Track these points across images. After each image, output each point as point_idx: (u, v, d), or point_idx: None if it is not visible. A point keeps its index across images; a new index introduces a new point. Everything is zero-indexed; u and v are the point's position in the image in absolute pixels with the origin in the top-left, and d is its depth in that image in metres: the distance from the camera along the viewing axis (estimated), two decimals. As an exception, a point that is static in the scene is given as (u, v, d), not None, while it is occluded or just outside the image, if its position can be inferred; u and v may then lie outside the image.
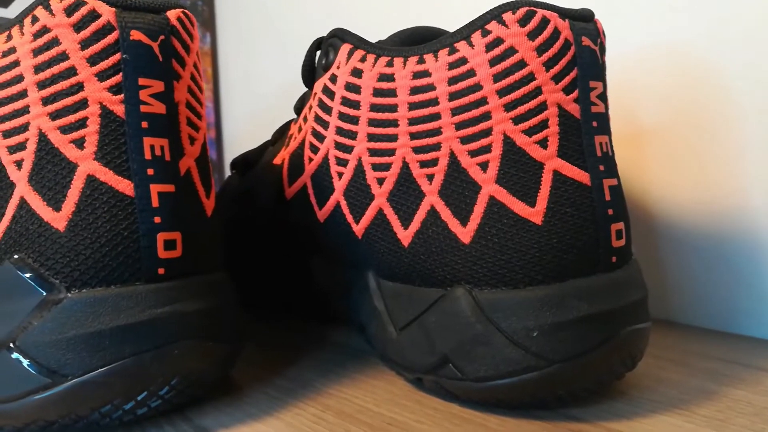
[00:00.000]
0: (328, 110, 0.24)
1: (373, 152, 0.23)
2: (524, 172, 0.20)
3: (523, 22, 0.20)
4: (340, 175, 0.24)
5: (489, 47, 0.20)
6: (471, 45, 0.21)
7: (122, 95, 0.19)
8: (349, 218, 0.24)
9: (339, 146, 0.24)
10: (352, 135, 0.23)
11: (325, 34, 0.27)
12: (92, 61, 0.19)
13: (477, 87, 0.20)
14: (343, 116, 0.23)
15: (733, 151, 0.31)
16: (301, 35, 0.53)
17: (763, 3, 0.29)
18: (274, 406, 0.22)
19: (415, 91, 0.22)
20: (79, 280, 0.18)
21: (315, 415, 0.21)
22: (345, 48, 0.24)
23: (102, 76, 0.19)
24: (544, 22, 0.20)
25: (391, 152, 0.22)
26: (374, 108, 0.22)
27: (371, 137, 0.23)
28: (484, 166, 0.21)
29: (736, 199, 0.31)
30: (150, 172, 0.19)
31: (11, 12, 0.50)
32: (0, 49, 0.19)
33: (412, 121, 0.22)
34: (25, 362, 0.18)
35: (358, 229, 0.24)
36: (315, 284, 0.28)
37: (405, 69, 0.22)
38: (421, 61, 0.22)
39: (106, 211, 0.19)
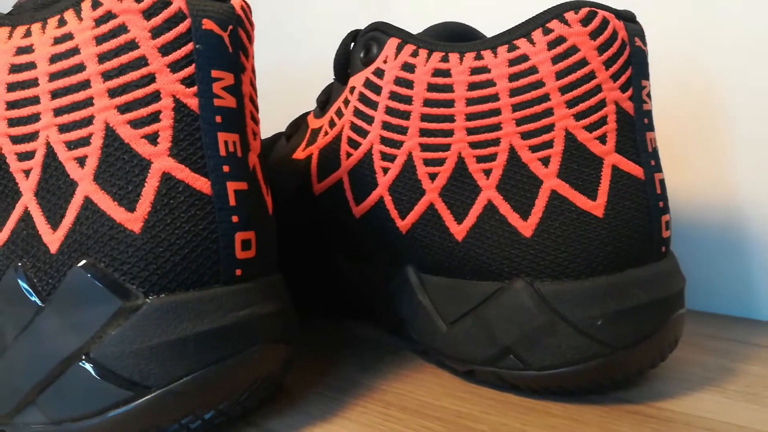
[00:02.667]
0: (372, 105, 0.24)
1: (426, 147, 0.23)
2: (585, 167, 0.21)
3: (585, 21, 0.21)
4: (386, 170, 0.24)
5: (551, 45, 0.21)
6: (532, 42, 0.21)
7: (195, 88, 0.18)
8: (393, 213, 0.24)
9: (385, 141, 0.24)
10: (402, 130, 0.23)
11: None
12: (164, 50, 0.18)
13: (539, 84, 0.21)
14: (391, 111, 0.23)
15: (730, 148, 0.33)
16: (282, 23, 0.51)
17: (753, 5, 0.32)
18: (334, 406, 0.21)
19: (473, 86, 0.22)
20: (157, 284, 0.17)
21: (380, 413, 0.21)
22: (393, 42, 0.23)
23: (174, 67, 0.18)
24: (605, 22, 0.21)
25: (445, 147, 0.22)
26: (428, 103, 0.22)
27: (424, 132, 0.23)
28: (545, 161, 0.21)
29: (734, 194, 0.33)
30: (225, 169, 0.18)
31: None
32: (51, 35, 0.18)
33: (470, 117, 0.22)
34: (102, 375, 0.17)
35: (404, 224, 0.24)
36: (341, 281, 0.28)
37: (462, 65, 0.22)
38: (479, 57, 0.22)
39: (184, 211, 0.17)
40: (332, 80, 0.28)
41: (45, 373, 0.17)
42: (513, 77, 0.21)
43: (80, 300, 0.17)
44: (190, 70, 0.18)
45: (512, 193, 0.22)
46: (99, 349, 0.17)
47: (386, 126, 0.23)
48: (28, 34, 0.18)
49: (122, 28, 0.17)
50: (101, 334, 0.17)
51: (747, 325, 0.31)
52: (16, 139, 0.18)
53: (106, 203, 0.17)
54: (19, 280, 0.18)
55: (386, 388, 0.23)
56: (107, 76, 0.17)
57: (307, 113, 0.30)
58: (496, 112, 0.21)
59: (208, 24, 0.18)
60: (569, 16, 0.21)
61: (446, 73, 0.22)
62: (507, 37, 0.22)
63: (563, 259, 0.21)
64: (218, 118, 0.18)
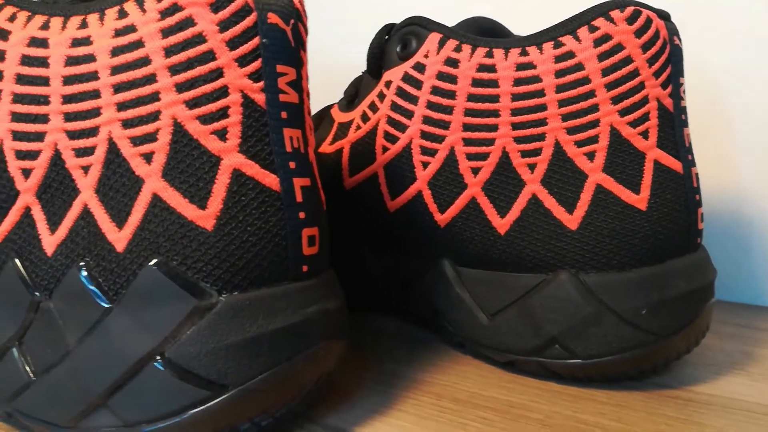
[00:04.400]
0: (412, 99, 0.24)
1: (469, 142, 0.23)
2: (629, 162, 0.22)
3: (630, 20, 0.21)
4: (425, 164, 0.24)
5: (597, 42, 0.21)
6: (578, 39, 0.22)
7: (262, 83, 0.18)
8: (432, 207, 0.24)
9: (426, 135, 0.24)
10: (444, 125, 0.23)
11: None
12: (232, 44, 0.17)
13: (585, 80, 0.21)
14: (433, 105, 0.23)
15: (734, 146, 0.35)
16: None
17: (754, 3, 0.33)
18: (386, 399, 0.22)
19: (519, 82, 0.22)
20: (230, 282, 0.17)
21: (434, 404, 0.21)
22: (434, 37, 0.23)
23: (242, 61, 0.17)
24: (649, 21, 0.21)
25: (489, 142, 0.23)
26: (473, 98, 0.23)
27: (467, 127, 0.23)
28: (590, 155, 0.22)
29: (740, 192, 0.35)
30: (292, 165, 0.18)
31: None
32: (111, 27, 0.17)
33: (515, 112, 0.22)
34: (179, 375, 0.16)
35: (443, 218, 0.24)
36: (366, 273, 0.28)
37: (507, 60, 0.22)
38: (524, 53, 0.22)
39: (255, 208, 0.17)
40: (361, 73, 0.28)
41: (117, 375, 0.16)
42: (559, 73, 0.22)
43: (153, 299, 0.17)
44: (257, 64, 0.17)
45: (557, 187, 0.22)
46: (174, 348, 0.16)
47: (427, 120, 0.24)
48: (84, 25, 0.17)
49: (189, 21, 0.17)
50: (176, 333, 0.16)
51: (749, 311, 0.33)
52: (73, 135, 0.17)
53: (176, 200, 0.17)
54: (83, 280, 0.17)
55: (431, 379, 0.23)
56: (174, 70, 0.17)
57: (330, 106, 0.30)
58: (542, 107, 0.22)
59: (273, 18, 0.18)
60: (615, 14, 0.21)
61: (491, 69, 0.22)
62: (552, 34, 0.22)
63: (608, 251, 0.22)
64: (284, 114, 0.18)
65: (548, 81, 0.22)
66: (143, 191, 0.17)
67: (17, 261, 0.18)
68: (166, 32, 0.17)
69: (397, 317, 0.30)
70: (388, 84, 0.25)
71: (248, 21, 0.17)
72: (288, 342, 0.17)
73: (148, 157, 0.17)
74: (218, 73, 0.17)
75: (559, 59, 0.22)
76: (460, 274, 0.25)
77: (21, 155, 0.18)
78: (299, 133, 0.19)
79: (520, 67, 0.22)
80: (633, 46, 0.21)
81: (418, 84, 0.24)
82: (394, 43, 0.25)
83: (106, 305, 0.17)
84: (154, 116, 0.17)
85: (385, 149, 0.25)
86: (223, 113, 0.17)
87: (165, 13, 0.17)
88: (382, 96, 0.25)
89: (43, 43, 0.18)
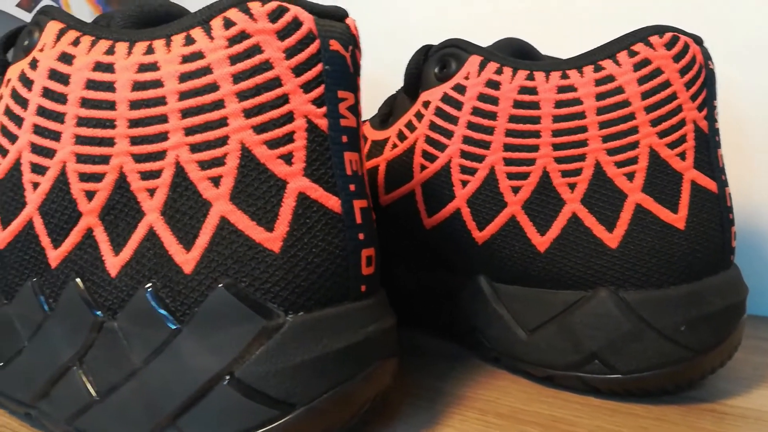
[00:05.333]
0: (451, 119, 0.24)
1: (510, 162, 0.23)
2: (667, 182, 0.22)
3: (669, 45, 0.22)
4: (464, 183, 0.24)
5: (637, 67, 0.22)
6: (617, 63, 0.22)
7: (325, 108, 0.18)
8: (471, 225, 0.25)
9: (466, 155, 0.24)
10: (485, 145, 0.24)
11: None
12: (297, 71, 0.18)
13: (625, 103, 0.22)
14: (473, 126, 0.24)
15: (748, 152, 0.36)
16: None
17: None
18: (432, 415, 0.22)
19: (560, 104, 0.23)
20: (296, 303, 0.17)
21: (479, 420, 0.22)
22: (475, 59, 0.24)
23: (307, 87, 0.18)
24: (686, 46, 0.22)
25: (530, 162, 0.23)
26: (514, 119, 0.23)
27: (508, 147, 0.23)
28: (630, 176, 0.22)
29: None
30: (352, 187, 0.18)
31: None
32: (179, 53, 0.17)
33: (556, 133, 0.23)
34: (248, 395, 0.17)
35: (481, 235, 0.25)
36: (400, 289, 0.29)
37: (548, 83, 0.23)
38: (565, 76, 0.23)
39: (319, 230, 0.18)
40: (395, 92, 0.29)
41: (187, 395, 0.17)
42: (600, 96, 0.22)
43: (222, 320, 0.17)
44: (320, 90, 0.18)
45: (597, 206, 0.23)
46: (243, 369, 0.17)
47: (467, 140, 0.24)
48: (150, 50, 0.18)
49: (257, 48, 0.17)
50: (245, 354, 0.17)
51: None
52: (139, 158, 0.18)
53: (244, 223, 0.17)
54: (150, 302, 0.17)
55: (472, 395, 0.24)
56: (242, 96, 0.17)
57: (365, 122, 0.30)
58: (583, 129, 0.22)
59: (334, 45, 0.18)
60: (654, 39, 0.22)
61: (533, 91, 0.23)
62: (591, 58, 0.23)
63: (647, 269, 0.22)
64: (344, 138, 0.18)
65: (589, 103, 0.22)
66: (211, 214, 0.17)
67: (79, 281, 0.18)
68: (234, 59, 0.17)
69: (431, 333, 0.30)
70: (426, 104, 0.25)
71: (312, 48, 0.18)
72: (350, 361, 0.18)
73: (216, 181, 0.17)
74: (284, 99, 0.17)
75: (599, 82, 0.22)
76: (496, 291, 0.25)
77: (85, 177, 0.18)
78: (357, 156, 0.19)
79: (561, 89, 0.23)
80: (671, 71, 0.22)
81: (458, 105, 0.24)
82: (432, 64, 0.26)
83: (174, 326, 0.17)
84: (222, 141, 0.17)
85: (423, 167, 0.25)
86: (288, 138, 0.18)
87: (233, 41, 0.17)
88: (419, 115, 0.26)
89: (108, 68, 0.18)
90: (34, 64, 0.19)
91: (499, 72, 0.24)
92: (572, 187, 0.23)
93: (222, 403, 0.17)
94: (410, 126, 0.26)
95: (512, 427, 0.21)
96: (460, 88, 0.24)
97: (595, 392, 0.24)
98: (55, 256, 0.19)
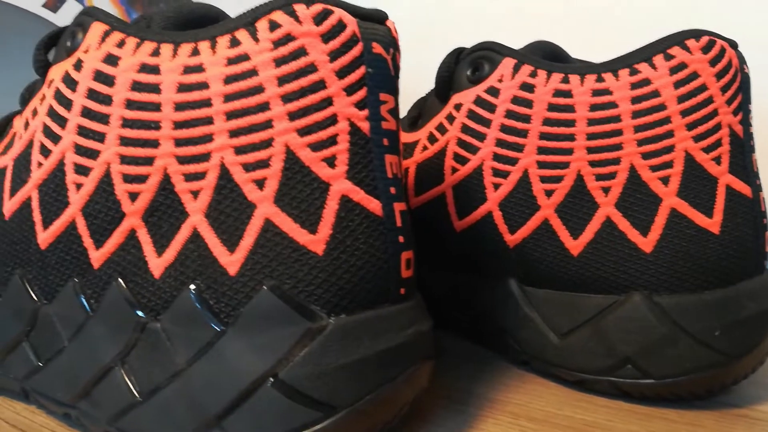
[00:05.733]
0: (484, 122, 0.25)
1: (543, 165, 0.24)
2: (702, 186, 0.22)
3: (705, 49, 0.22)
4: (497, 186, 0.24)
5: (673, 71, 0.22)
6: (653, 67, 0.22)
7: (367, 111, 0.18)
8: (502, 228, 0.25)
9: (499, 158, 0.24)
10: (518, 147, 0.24)
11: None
12: (340, 74, 0.18)
13: (661, 107, 0.22)
14: (507, 129, 0.24)
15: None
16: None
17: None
18: (465, 419, 0.22)
19: (595, 107, 0.23)
20: (338, 305, 0.17)
21: (512, 423, 0.22)
22: (508, 62, 0.24)
23: (349, 90, 0.18)
24: (722, 50, 0.22)
25: (564, 165, 0.23)
26: (548, 122, 0.23)
27: (542, 150, 0.23)
28: (665, 180, 0.22)
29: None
30: (392, 190, 0.19)
31: (60, 18, 0.44)
32: (224, 55, 0.18)
33: (591, 136, 0.23)
34: (292, 396, 0.17)
35: (513, 238, 0.25)
36: (429, 292, 0.29)
37: (583, 86, 0.23)
38: (600, 79, 0.23)
39: (361, 233, 0.18)
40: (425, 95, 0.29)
41: (231, 397, 0.17)
42: (635, 100, 0.22)
43: (267, 322, 0.17)
44: (362, 93, 0.18)
45: (632, 210, 0.23)
46: (287, 370, 0.17)
47: (500, 143, 0.24)
48: (195, 52, 0.18)
49: (302, 51, 0.17)
50: (289, 355, 0.17)
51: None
52: (184, 160, 0.18)
53: (288, 225, 0.17)
54: (195, 303, 0.17)
55: (503, 398, 0.24)
56: (287, 98, 0.17)
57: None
58: (618, 132, 0.22)
59: (377, 48, 0.18)
60: (690, 43, 0.22)
61: (567, 94, 0.23)
62: (627, 61, 0.23)
63: (682, 274, 0.22)
64: (385, 141, 0.18)
65: (624, 107, 0.22)
66: (255, 216, 0.17)
67: (121, 282, 0.19)
68: (280, 61, 0.17)
69: (458, 335, 0.30)
70: (457, 107, 0.26)
71: (355, 51, 0.18)
72: (391, 363, 0.18)
73: (260, 183, 0.17)
74: (328, 102, 0.18)
75: (635, 86, 0.22)
76: (527, 294, 0.25)
77: (129, 179, 0.18)
78: (397, 159, 0.19)
79: (596, 93, 0.23)
80: (708, 75, 0.22)
81: (491, 107, 0.24)
82: (464, 66, 0.26)
83: (218, 327, 0.17)
84: (267, 143, 0.17)
85: (454, 170, 0.25)
86: (332, 141, 0.18)
87: (278, 43, 0.17)
88: (451, 118, 0.26)
89: (154, 69, 0.18)
90: (78, 65, 0.19)
91: (533, 75, 0.24)
92: (606, 190, 0.23)
93: (266, 404, 0.17)
94: (441, 128, 0.26)
95: (545, 430, 0.21)
96: (494, 91, 0.24)
97: (626, 397, 0.24)
98: (97, 256, 0.19)
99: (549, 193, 0.24)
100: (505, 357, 0.28)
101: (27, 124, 0.21)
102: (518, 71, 0.24)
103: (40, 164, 0.20)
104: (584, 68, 0.23)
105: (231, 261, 0.17)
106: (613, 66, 0.23)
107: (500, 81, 0.24)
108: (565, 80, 0.23)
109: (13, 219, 0.21)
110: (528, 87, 0.24)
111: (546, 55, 0.27)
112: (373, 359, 0.17)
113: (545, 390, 0.25)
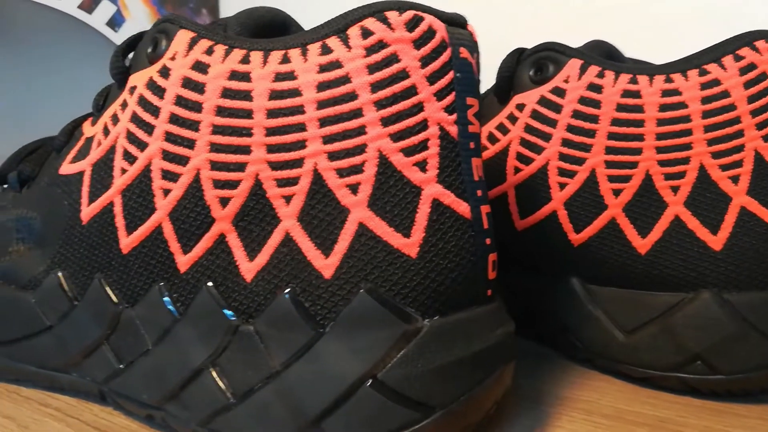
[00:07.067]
0: (550, 122, 0.25)
1: (611, 164, 0.24)
2: (772, 185, 0.22)
3: (776, 49, 0.22)
4: (562, 185, 0.25)
5: (743, 71, 0.22)
6: (723, 67, 0.22)
7: (455, 115, 0.18)
8: (567, 227, 0.25)
9: (565, 157, 0.24)
10: (586, 147, 0.24)
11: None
12: (431, 79, 0.18)
13: (731, 107, 0.22)
14: (573, 129, 0.24)
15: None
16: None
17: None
18: (540, 416, 0.22)
19: (664, 108, 0.23)
20: (432, 308, 0.18)
21: (587, 421, 0.22)
22: (575, 63, 0.24)
23: (439, 95, 0.18)
24: (793, 50, 0.22)
25: (632, 165, 0.23)
26: (617, 122, 0.23)
27: (610, 150, 0.24)
28: (735, 179, 0.22)
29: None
30: (479, 193, 0.19)
31: (95, 19, 0.44)
32: (316, 62, 0.18)
33: (660, 136, 0.23)
34: (391, 398, 0.17)
35: (578, 237, 0.25)
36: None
37: (652, 87, 0.23)
38: (669, 80, 0.23)
39: (452, 236, 0.18)
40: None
41: (331, 398, 0.17)
42: (705, 100, 0.22)
43: (364, 324, 0.17)
44: (451, 98, 0.18)
45: (701, 208, 0.23)
46: (386, 372, 0.17)
47: (567, 143, 0.24)
48: (286, 60, 0.18)
49: (394, 58, 0.18)
50: (386, 357, 0.17)
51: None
52: (276, 166, 0.18)
53: (382, 229, 0.18)
54: (291, 306, 0.18)
55: (571, 395, 0.24)
56: (380, 105, 0.18)
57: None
58: (688, 132, 0.23)
59: (464, 52, 0.19)
60: (760, 44, 0.22)
61: (636, 95, 0.23)
62: (696, 62, 0.23)
63: (751, 271, 0.22)
64: (471, 144, 0.19)
65: (694, 107, 0.23)
66: (349, 220, 0.18)
67: (211, 285, 0.19)
68: (373, 68, 0.18)
69: (516, 333, 0.30)
70: (520, 107, 0.26)
71: (445, 56, 0.18)
72: (483, 364, 0.18)
73: (354, 188, 0.18)
74: (419, 108, 0.18)
75: (705, 86, 0.22)
76: (590, 292, 0.25)
77: (219, 184, 0.18)
78: (480, 162, 0.19)
79: (666, 93, 0.23)
80: (778, 74, 0.22)
81: (556, 108, 0.25)
82: (526, 67, 0.26)
83: (314, 330, 0.18)
84: (361, 149, 0.18)
85: (517, 170, 0.26)
86: (423, 145, 0.18)
87: (371, 50, 0.18)
88: (513, 118, 0.26)
89: (245, 77, 0.18)
90: (165, 73, 0.19)
91: (600, 75, 0.24)
92: (675, 189, 0.23)
93: (366, 405, 0.17)
94: (502, 128, 0.26)
95: (621, 427, 0.22)
96: (559, 91, 0.25)
97: (694, 393, 0.24)
98: (184, 261, 0.19)
99: (617, 193, 0.24)
100: (562, 354, 0.28)
101: (107, 130, 0.21)
102: (585, 72, 0.24)
103: (123, 170, 0.20)
104: (653, 69, 0.23)
105: (326, 264, 0.18)
106: (682, 66, 0.23)
107: (566, 81, 0.24)
108: (634, 81, 0.23)
109: (92, 224, 0.21)
110: (596, 87, 0.24)
111: (603, 55, 0.27)
112: (468, 360, 0.18)
113: (610, 386, 0.25)
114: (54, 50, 0.44)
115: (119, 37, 0.46)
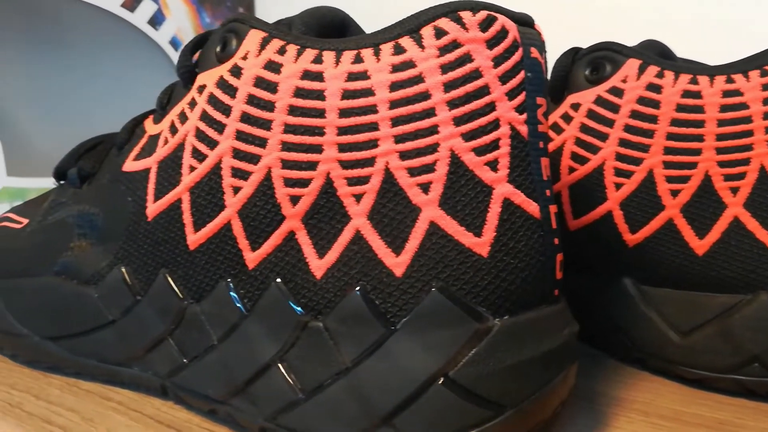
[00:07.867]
0: (607, 122, 0.25)
1: (669, 165, 0.24)
2: (835, 187, 0.22)
3: (841, 49, 0.22)
4: (618, 185, 0.25)
5: (807, 72, 0.22)
6: (787, 68, 0.22)
7: (525, 115, 0.18)
8: (623, 227, 0.25)
9: (622, 158, 0.24)
10: (644, 148, 0.24)
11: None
12: (503, 79, 0.18)
13: (795, 108, 0.22)
14: (631, 129, 0.24)
15: None
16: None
17: None
18: (598, 417, 0.22)
19: (725, 108, 0.23)
20: (502, 307, 0.18)
21: (645, 422, 0.22)
22: (633, 63, 0.24)
23: (511, 95, 0.18)
24: None
25: (691, 165, 0.23)
26: (676, 123, 0.23)
27: (669, 150, 0.24)
28: (797, 181, 0.22)
29: None
30: (547, 193, 0.19)
31: (137, 17, 0.45)
32: (388, 62, 0.18)
33: (720, 137, 0.23)
34: (463, 396, 0.17)
35: (633, 238, 0.25)
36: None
37: (713, 87, 0.23)
38: (730, 80, 0.23)
39: (522, 235, 0.18)
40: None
41: (403, 395, 0.17)
42: (767, 101, 0.22)
43: (436, 323, 0.17)
44: (521, 98, 0.18)
45: (761, 210, 0.23)
46: (458, 370, 0.17)
47: (624, 143, 0.24)
48: (358, 59, 0.18)
49: (467, 57, 0.18)
50: (458, 355, 0.17)
51: None
52: (347, 164, 0.18)
53: (453, 228, 0.18)
54: (363, 303, 0.18)
55: (626, 396, 0.24)
56: (453, 104, 0.18)
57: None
58: (749, 133, 0.23)
59: (534, 52, 0.19)
60: (826, 43, 0.22)
61: (696, 95, 0.23)
62: (757, 63, 0.23)
63: (813, 273, 0.22)
64: (540, 144, 0.19)
65: (756, 108, 0.22)
66: (420, 219, 0.18)
67: (280, 282, 0.19)
68: (446, 68, 0.18)
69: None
70: (575, 106, 0.26)
71: (516, 56, 0.18)
72: (552, 363, 0.18)
73: (425, 187, 0.18)
74: (491, 107, 0.18)
75: (767, 87, 0.22)
76: (644, 293, 0.25)
77: (290, 183, 0.19)
78: (548, 161, 0.19)
79: (727, 94, 0.23)
80: (844, 75, 0.22)
81: (614, 108, 0.25)
82: (581, 66, 0.26)
83: (385, 327, 0.18)
84: (433, 148, 0.18)
85: (571, 169, 0.26)
86: (494, 145, 0.18)
87: (444, 50, 0.18)
88: (567, 117, 0.26)
89: (318, 76, 0.18)
90: (236, 72, 0.19)
91: (659, 76, 0.24)
92: (734, 190, 0.23)
93: (438, 403, 0.17)
94: (556, 128, 0.26)
95: (680, 429, 0.22)
96: (617, 91, 0.24)
97: (749, 394, 0.24)
98: (253, 257, 0.20)
99: (675, 193, 0.24)
100: (614, 355, 0.28)
101: (174, 128, 0.21)
102: (644, 72, 0.24)
103: (192, 168, 0.20)
104: (713, 69, 0.23)
105: (397, 263, 0.18)
106: (743, 67, 0.23)
107: (624, 81, 0.24)
108: (694, 81, 0.23)
109: (158, 220, 0.21)
110: (655, 88, 0.24)
111: (656, 54, 0.27)
112: (537, 360, 0.18)
113: (664, 388, 0.25)
114: (97, 48, 0.44)
115: (160, 36, 0.47)
